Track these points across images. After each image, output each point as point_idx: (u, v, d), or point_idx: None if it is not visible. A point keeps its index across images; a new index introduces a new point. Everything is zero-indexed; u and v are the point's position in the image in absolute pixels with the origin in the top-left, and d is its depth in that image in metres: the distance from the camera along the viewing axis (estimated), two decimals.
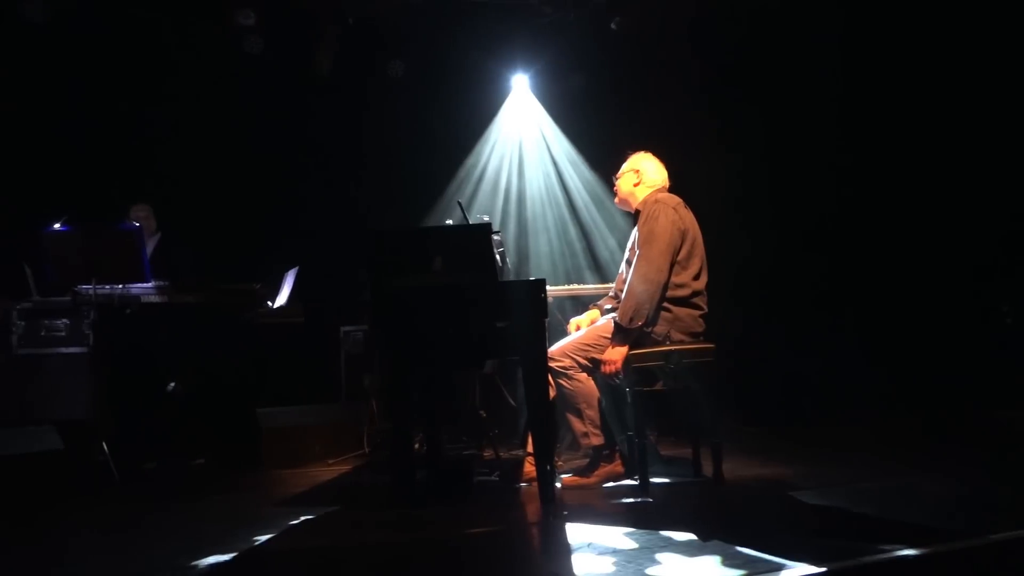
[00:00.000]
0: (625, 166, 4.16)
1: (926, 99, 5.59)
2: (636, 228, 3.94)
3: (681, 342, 3.77)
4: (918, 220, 5.68)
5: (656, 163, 4.15)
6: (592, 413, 3.79)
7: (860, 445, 4.60)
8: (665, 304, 3.80)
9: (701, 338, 3.85)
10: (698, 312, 3.87)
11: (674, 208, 3.87)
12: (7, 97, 5.50)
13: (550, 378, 3.70)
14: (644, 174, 4.08)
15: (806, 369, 5.60)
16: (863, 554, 2.48)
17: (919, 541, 2.54)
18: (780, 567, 2.37)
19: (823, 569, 2.35)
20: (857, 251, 5.83)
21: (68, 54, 5.71)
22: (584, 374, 3.82)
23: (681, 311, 3.82)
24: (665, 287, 3.76)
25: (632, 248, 3.95)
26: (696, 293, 3.85)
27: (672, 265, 3.78)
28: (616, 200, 4.22)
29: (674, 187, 4.12)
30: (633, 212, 4.06)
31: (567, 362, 3.81)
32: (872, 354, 5.50)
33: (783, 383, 5.59)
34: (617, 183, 4.16)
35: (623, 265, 4.10)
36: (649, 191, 4.04)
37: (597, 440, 3.80)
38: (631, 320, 3.70)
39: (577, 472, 3.89)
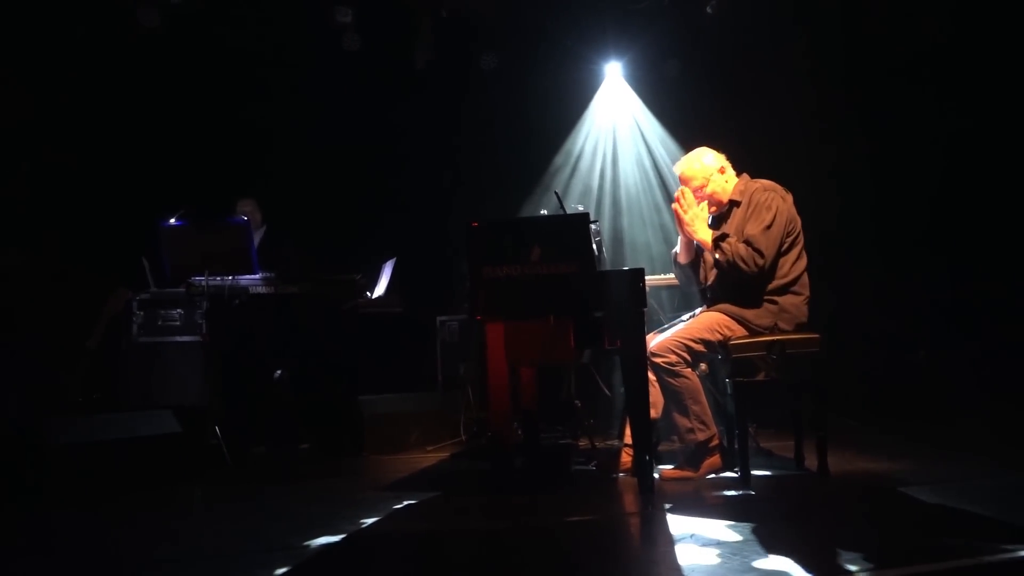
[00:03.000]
0: (702, 170, 3.95)
1: None
2: (739, 215, 3.87)
3: (786, 333, 3.70)
4: None
5: (714, 151, 4.04)
6: (698, 408, 3.72)
7: (972, 440, 4.40)
8: (770, 296, 3.74)
9: (806, 326, 3.76)
10: (801, 298, 3.79)
11: (782, 198, 3.81)
12: (125, 99, 5.79)
13: (651, 374, 3.69)
14: (728, 167, 4.00)
15: (914, 359, 5.39)
16: (981, 553, 2.38)
17: None
18: (893, 564, 2.30)
19: (939, 567, 2.27)
20: (969, 236, 5.56)
21: (179, 55, 5.97)
22: (689, 369, 3.75)
23: (786, 300, 3.75)
24: (758, 274, 3.72)
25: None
26: (798, 278, 3.79)
27: (777, 256, 3.74)
28: (712, 199, 4.01)
29: (773, 173, 4.02)
30: (726, 205, 3.96)
31: (672, 358, 3.72)
32: (986, 344, 5.25)
33: (890, 374, 5.40)
34: (707, 190, 3.95)
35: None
36: (737, 180, 3.96)
37: (703, 435, 3.72)
38: (715, 252, 3.75)
39: (679, 464, 3.85)
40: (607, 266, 4.60)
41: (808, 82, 5.95)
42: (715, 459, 3.76)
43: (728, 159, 4.04)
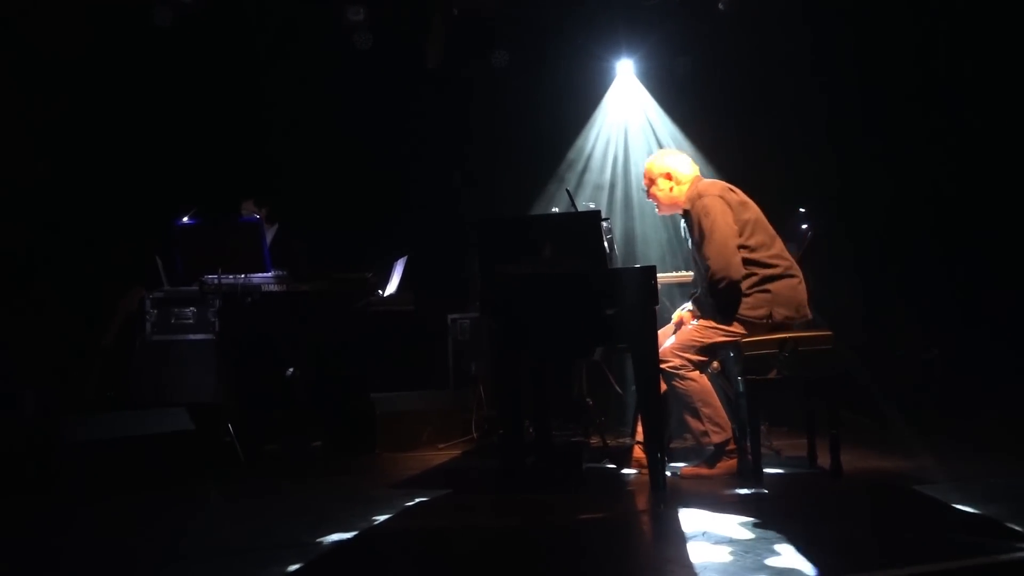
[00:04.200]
0: (650, 171, 4.03)
1: None
2: (690, 229, 3.89)
3: (787, 318, 3.68)
4: None
5: (679, 155, 4.07)
6: (709, 411, 3.69)
7: (990, 438, 4.36)
8: (761, 287, 3.72)
9: (807, 309, 3.75)
10: (796, 280, 3.77)
11: (720, 196, 3.78)
12: (138, 97, 5.82)
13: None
14: (676, 172, 3.96)
15: (927, 357, 5.36)
16: (996, 552, 2.36)
17: None
18: (906, 562, 2.28)
19: (953, 565, 2.25)
20: (982, 233, 5.51)
21: (191, 54, 5.99)
22: (696, 372, 3.73)
23: (778, 286, 3.73)
24: (739, 281, 3.70)
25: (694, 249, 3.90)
26: (783, 263, 3.76)
27: (739, 252, 3.71)
28: (659, 211, 4.13)
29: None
30: (682, 214, 3.97)
31: (677, 361, 3.71)
32: (1000, 342, 5.21)
33: (905, 370, 5.36)
34: (652, 193, 4.03)
35: (693, 265, 4.03)
36: (687, 186, 3.93)
37: (718, 437, 3.69)
38: (727, 318, 3.72)
39: (696, 463, 3.83)
40: (619, 264, 4.59)
41: (820, 78, 5.92)
42: (732, 463, 3.73)
43: (695, 163, 4.04)
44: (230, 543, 2.88)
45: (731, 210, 3.75)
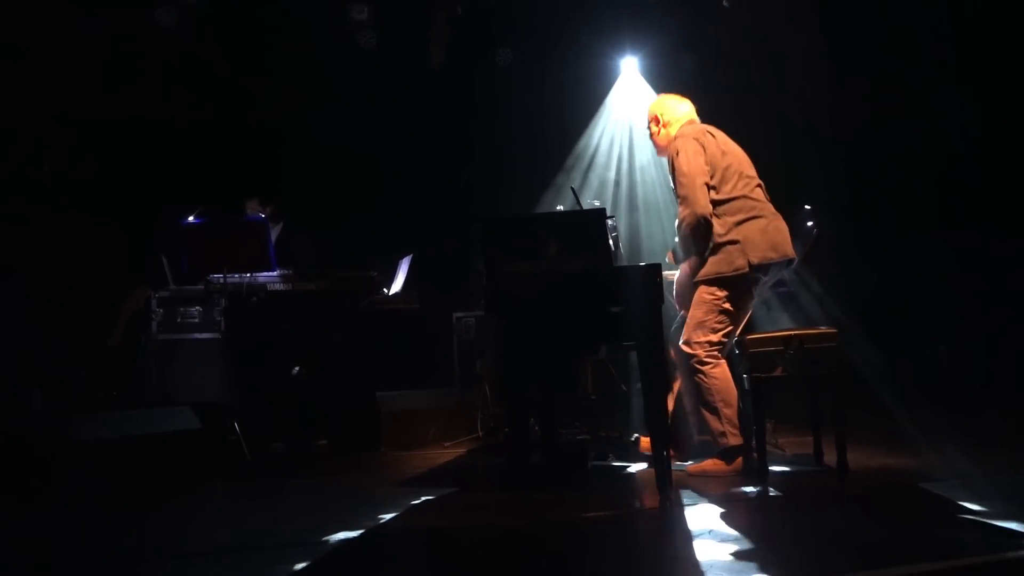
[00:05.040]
0: (648, 112, 4.09)
1: None
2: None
3: (765, 258, 3.62)
4: None
5: (674, 98, 4.06)
6: (730, 411, 3.63)
7: (996, 435, 4.35)
8: (730, 238, 3.66)
9: (788, 247, 3.71)
10: (764, 220, 3.69)
11: (695, 138, 3.76)
12: (142, 96, 5.82)
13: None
14: (666, 113, 3.99)
15: (933, 354, 5.35)
16: (1002, 549, 2.35)
17: None
18: (912, 560, 2.27)
19: (959, 563, 2.24)
20: (987, 230, 5.50)
21: (195, 54, 5.99)
22: (721, 367, 3.66)
23: (743, 231, 3.66)
24: (709, 221, 3.66)
25: None
26: (750, 204, 3.70)
27: (708, 193, 3.68)
28: (658, 154, 4.15)
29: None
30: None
31: (701, 352, 3.65)
32: (1006, 339, 5.19)
33: (910, 367, 5.35)
34: (650, 136, 4.09)
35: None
36: (675, 128, 3.94)
37: (735, 440, 3.64)
38: (699, 253, 3.73)
39: (702, 461, 3.80)
40: (624, 261, 4.59)
41: (826, 74, 5.91)
42: (738, 461, 3.71)
43: (697, 111, 4.04)
44: (235, 542, 2.87)
45: (704, 152, 3.72)
